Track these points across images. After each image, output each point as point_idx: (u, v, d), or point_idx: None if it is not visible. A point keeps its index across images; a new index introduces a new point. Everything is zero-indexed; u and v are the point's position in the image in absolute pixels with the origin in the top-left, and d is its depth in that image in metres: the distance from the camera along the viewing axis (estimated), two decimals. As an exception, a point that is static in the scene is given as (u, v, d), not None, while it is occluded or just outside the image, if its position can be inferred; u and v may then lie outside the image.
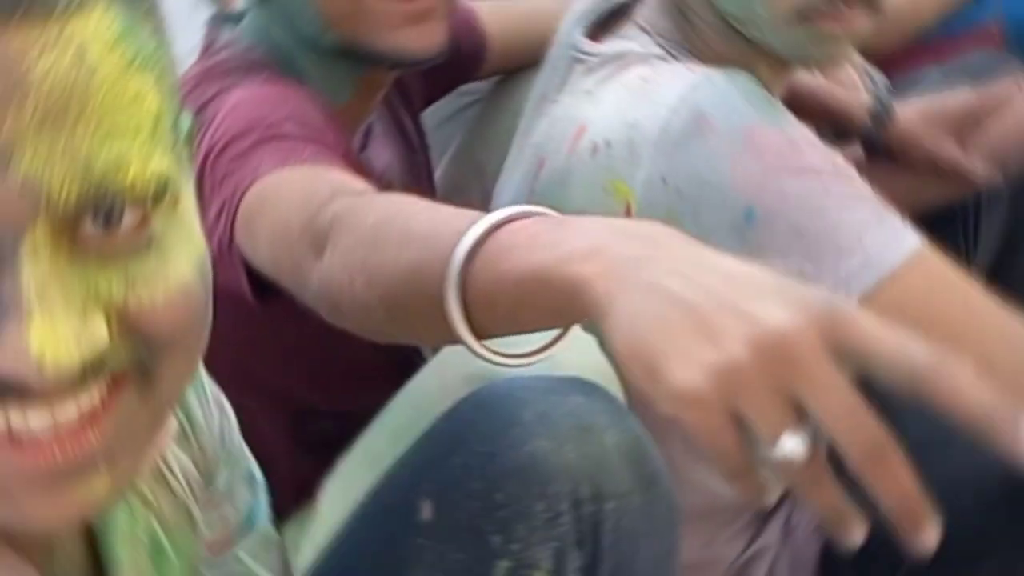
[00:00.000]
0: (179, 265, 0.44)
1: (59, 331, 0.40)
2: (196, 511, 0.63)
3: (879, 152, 1.14)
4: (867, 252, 0.75)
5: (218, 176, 0.79)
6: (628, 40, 0.91)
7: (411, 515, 0.67)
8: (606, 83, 0.88)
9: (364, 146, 1.06)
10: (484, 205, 0.97)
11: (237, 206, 0.76)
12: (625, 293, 0.47)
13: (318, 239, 0.66)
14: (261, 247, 0.74)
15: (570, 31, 0.96)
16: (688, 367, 0.43)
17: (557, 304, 0.52)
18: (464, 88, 1.25)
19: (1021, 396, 0.46)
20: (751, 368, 0.42)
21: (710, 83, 0.80)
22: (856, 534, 0.45)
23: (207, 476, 0.65)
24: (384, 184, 0.97)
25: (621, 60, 0.88)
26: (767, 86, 0.88)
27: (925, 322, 0.72)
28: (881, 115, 1.13)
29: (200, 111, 0.86)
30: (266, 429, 0.94)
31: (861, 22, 0.84)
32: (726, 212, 0.77)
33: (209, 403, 0.66)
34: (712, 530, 0.99)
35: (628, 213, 0.81)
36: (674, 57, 0.88)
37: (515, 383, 0.70)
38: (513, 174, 0.97)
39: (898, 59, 1.39)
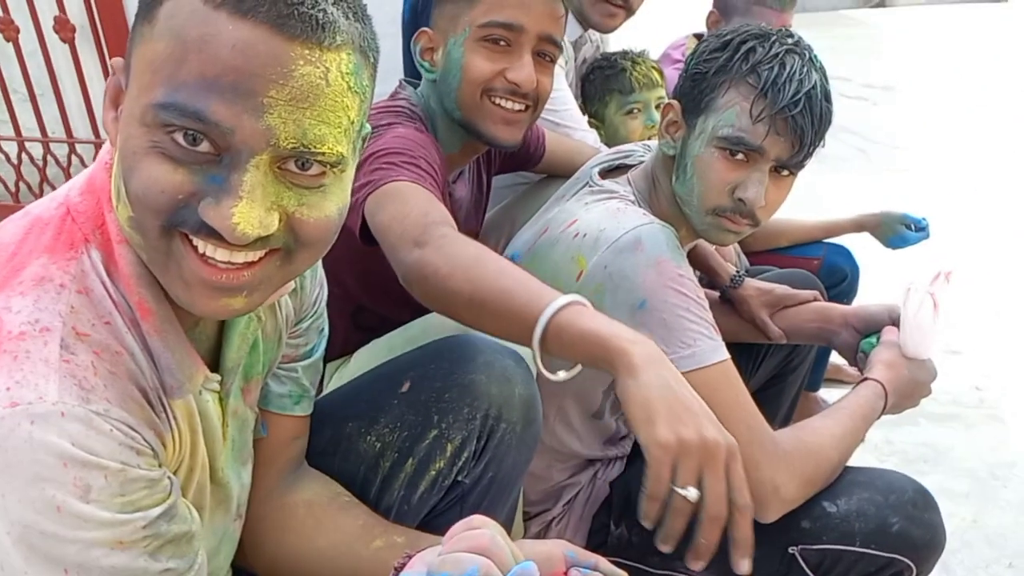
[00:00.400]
0: (330, 205, 0.75)
1: (252, 214, 0.68)
2: (285, 335, 1.02)
3: (727, 301, 1.75)
4: (695, 350, 1.23)
5: (373, 167, 1.23)
6: (618, 185, 1.40)
7: (397, 385, 1.14)
8: (597, 203, 1.36)
9: (455, 181, 1.54)
10: (505, 240, 1.54)
11: (377, 187, 1.20)
12: (647, 372, 0.93)
13: (422, 238, 1.09)
14: (381, 217, 1.17)
15: (591, 167, 1.47)
16: (668, 430, 0.91)
17: (601, 355, 0.93)
18: (523, 173, 1.81)
19: (748, 462, 0.98)
20: (694, 448, 0.90)
21: (652, 227, 1.27)
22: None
23: (299, 319, 1.05)
24: (457, 207, 1.51)
25: (610, 194, 1.37)
26: (681, 241, 1.37)
27: (706, 400, 1.21)
28: (737, 281, 1.72)
29: (376, 129, 1.30)
30: (339, 309, 1.37)
31: (745, 228, 1.33)
32: (630, 297, 1.23)
33: (316, 281, 1.06)
34: (553, 461, 1.50)
35: (579, 277, 1.27)
36: (639, 203, 1.37)
37: (480, 340, 1.17)
38: (528, 231, 1.45)
39: (758, 256, 2.21)
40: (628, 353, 0.93)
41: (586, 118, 2.09)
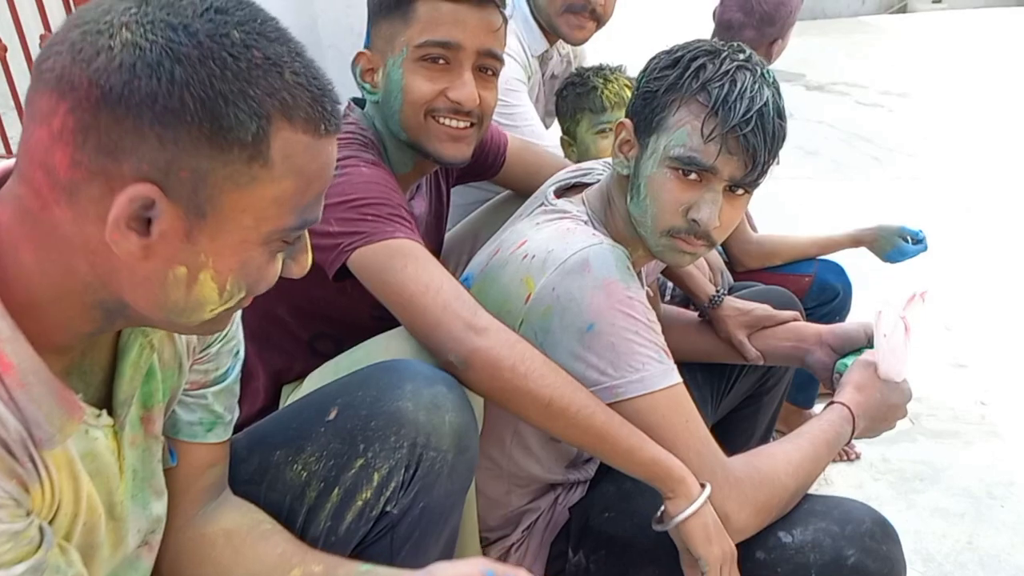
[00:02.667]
0: None
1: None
2: (187, 362, 0.98)
3: (705, 318, 1.70)
4: (643, 375, 1.19)
5: (352, 216, 1.23)
6: (572, 204, 1.36)
7: (324, 412, 1.11)
8: (548, 223, 1.32)
9: (413, 197, 1.53)
10: (467, 258, 1.53)
11: (370, 241, 1.22)
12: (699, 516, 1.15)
13: (476, 322, 1.17)
14: (399, 278, 1.20)
15: (548, 185, 1.44)
16: (711, 549, 1.16)
17: (660, 481, 1.17)
18: (489, 187, 1.78)
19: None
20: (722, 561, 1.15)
21: (600, 247, 1.24)
22: None
23: (206, 344, 1.00)
24: (417, 223, 1.47)
25: (562, 214, 1.34)
26: (635, 262, 1.35)
27: (653, 426, 1.18)
28: (716, 300, 1.68)
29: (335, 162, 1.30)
30: (296, 337, 1.44)
31: (701, 249, 1.29)
32: (578, 320, 1.20)
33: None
34: (512, 486, 1.46)
35: (527, 299, 1.24)
36: (592, 223, 1.33)
37: (411, 366, 1.14)
38: (486, 249, 1.42)
39: (750, 273, 2.19)
40: (689, 489, 1.17)
41: (560, 135, 2.06)
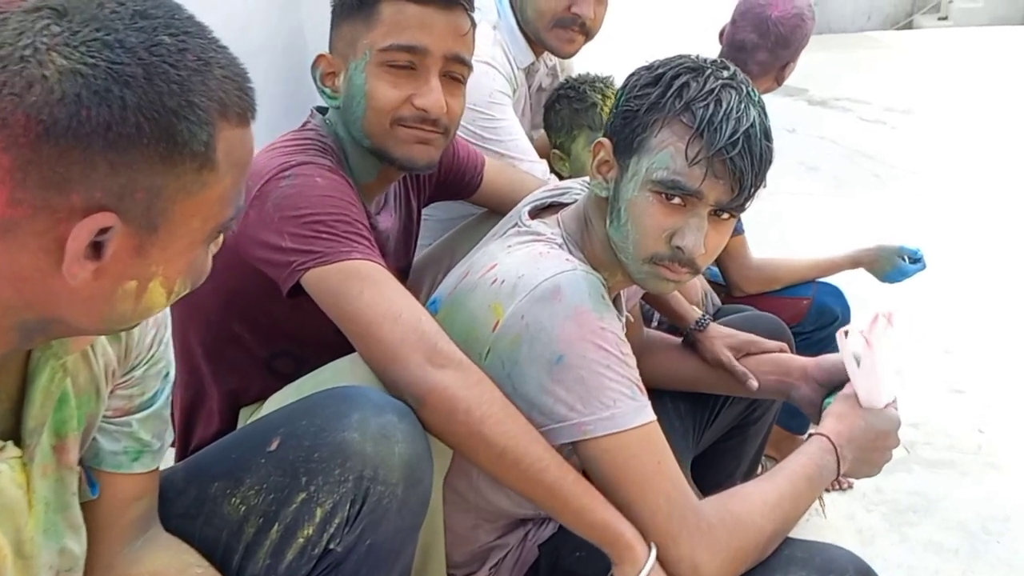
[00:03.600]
0: None
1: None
2: (105, 387, 0.90)
3: (689, 344, 1.63)
4: (614, 412, 1.11)
5: (306, 233, 1.17)
6: (547, 226, 1.29)
7: (266, 442, 1.04)
8: (520, 246, 1.25)
9: (380, 212, 1.46)
10: (442, 277, 1.42)
11: (325, 261, 1.15)
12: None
13: (436, 357, 1.10)
14: (357, 305, 1.13)
15: (523, 205, 1.36)
16: None
17: (609, 546, 1.10)
18: (470, 206, 1.71)
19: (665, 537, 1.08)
20: None
21: (573, 274, 1.16)
22: None
23: (129, 367, 0.93)
24: (384, 239, 1.43)
25: (535, 236, 1.26)
26: (614, 287, 1.28)
27: (621, 467, 1.11)
28: (701, 324, 1.60)
29: (287, 171, 1.22)
30: (253, 356, 1.37)
31: (685, 276, 1.22)
32: (547, 351, 1.12)
33: (149, 323, 0.93)
34: (479, 521, 1.38)
35: (495, 327, 1.17)
36: (568, 246, 1.25)
37: (360, 393, 1.07)
38: (456, 271, 1.34)
39: (740, 296, 2.13)
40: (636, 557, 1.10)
41: (552, 150, 1.99)
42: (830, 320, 2.16)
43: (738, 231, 2.05)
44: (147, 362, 0.95)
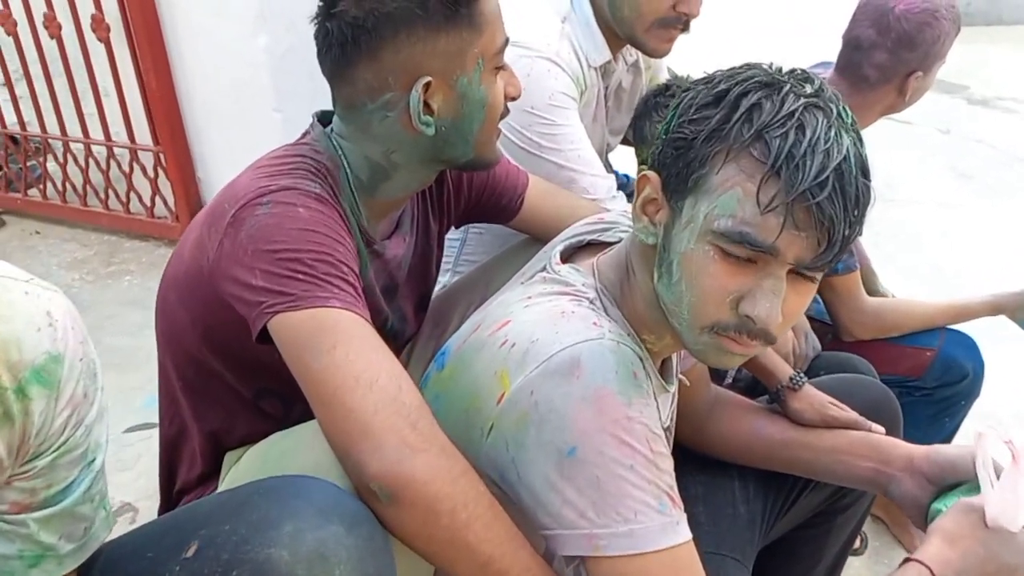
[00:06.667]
0: None
1: None
2: None
3: (779, 403, 1.35)
4: (633, 528, 0.87)
5: (280, 271, 0.99)
6: (579, 274, 1.04)
7: (182, 546, 0.84)
8: (542, 299, 1.01)
9: (389, 236, 1.26)
10: (475, 306, 1.22)
11: (295, 307, 0.97)
12: None
13: (414, 439, 0.90)
14: (323, 363, 0.94)
15: (556, 244, 1.12)
16: None
17: None
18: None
19: None
20: None
21: (599, 345, 0.92)
22: None
23: (31, 456, 0.76)
24: (393, 266, 1.26)
25: (563, 288, 1.02)
26: (660, 353, 1.03)
27: None
28: (795, 383, 1.32)
29: (268, 193, 1.04)
30: (237, 395, 1.21)
31: (756, 349, 0.94)
32: (558, 438, 0.89)
33: (58, 405, 0.77)
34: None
35: (500, 399, 0.94)
36: (602, 301, 1.00)
37: (306, 490, 0.85)
38: (474, 317, 1.11)
39: (860, 345, 1.80)
40: None
41: (638, 166, 1.72)
42: (958, 377, 1.82)
43: (850, 267, 1.72)
44: (57, 450, 0.78)
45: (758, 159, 0.86)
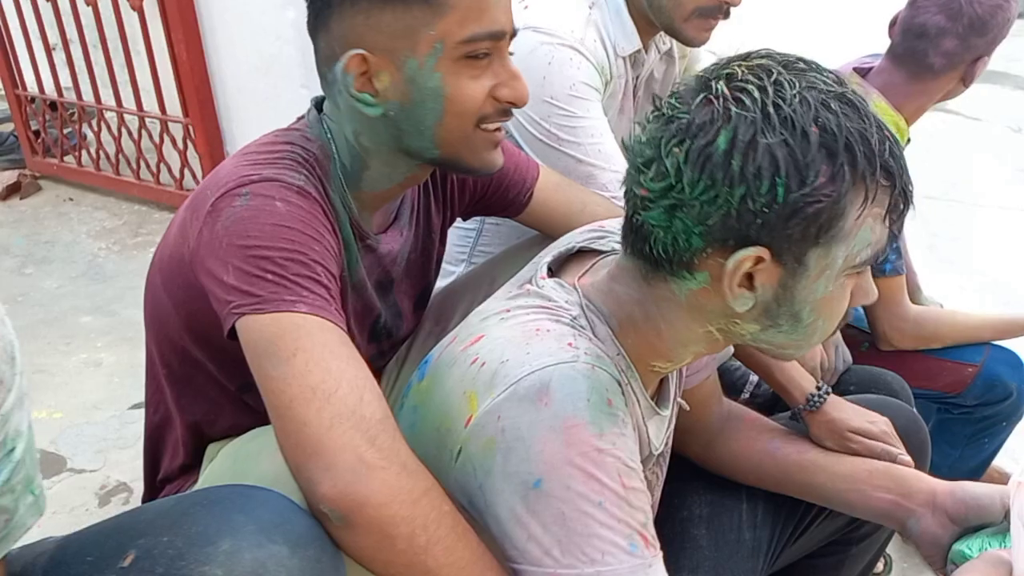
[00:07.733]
0: None
1: None
2: None
3: (798, 420, 1.27)
4: (600, 571, 0.80)
5: (249, 269, 0.93)
6: (562, 290, 0.95)
7: (119, 556, 0.78)
8: (520, 313, 0.93)
9: (386, 229, 1.20)
10: (478, 302, 1.08)
11: (260, 309, 0.91)
12: None
13: (373, 455, 0.82)
14: (281, 372, 0.88)
15: (548, 252, 1.04)
16: None
17: None
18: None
19: None
20: None
21: (571, 368, 0.84)
22: None
23: None
24: (389, 262, 1.20)
25: (543, 303, 0.94)
26: (653, 375, 0.96)
27: None
28: (814, 402, 1.24)
29: (248, 184, 0.99)
30: (222, 389, 1.17)
31: None
32: (523, 468, 0.82)
33: None
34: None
35: (468, 422, 0.87)
36: (587, 318, 0.92)
37: (252, 502, 0.79)
38: (459, 328, 1.03)
39: (898, 358, 1.70)
40: None
41: None
42: (1001, 396, 1.72)
43: (898, 270, 1.62)
44: None
45: (886, 186, 0.83)
